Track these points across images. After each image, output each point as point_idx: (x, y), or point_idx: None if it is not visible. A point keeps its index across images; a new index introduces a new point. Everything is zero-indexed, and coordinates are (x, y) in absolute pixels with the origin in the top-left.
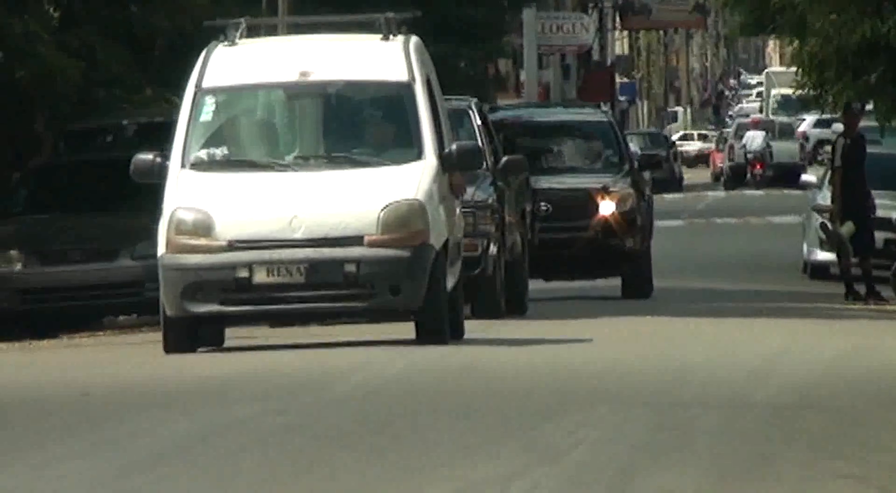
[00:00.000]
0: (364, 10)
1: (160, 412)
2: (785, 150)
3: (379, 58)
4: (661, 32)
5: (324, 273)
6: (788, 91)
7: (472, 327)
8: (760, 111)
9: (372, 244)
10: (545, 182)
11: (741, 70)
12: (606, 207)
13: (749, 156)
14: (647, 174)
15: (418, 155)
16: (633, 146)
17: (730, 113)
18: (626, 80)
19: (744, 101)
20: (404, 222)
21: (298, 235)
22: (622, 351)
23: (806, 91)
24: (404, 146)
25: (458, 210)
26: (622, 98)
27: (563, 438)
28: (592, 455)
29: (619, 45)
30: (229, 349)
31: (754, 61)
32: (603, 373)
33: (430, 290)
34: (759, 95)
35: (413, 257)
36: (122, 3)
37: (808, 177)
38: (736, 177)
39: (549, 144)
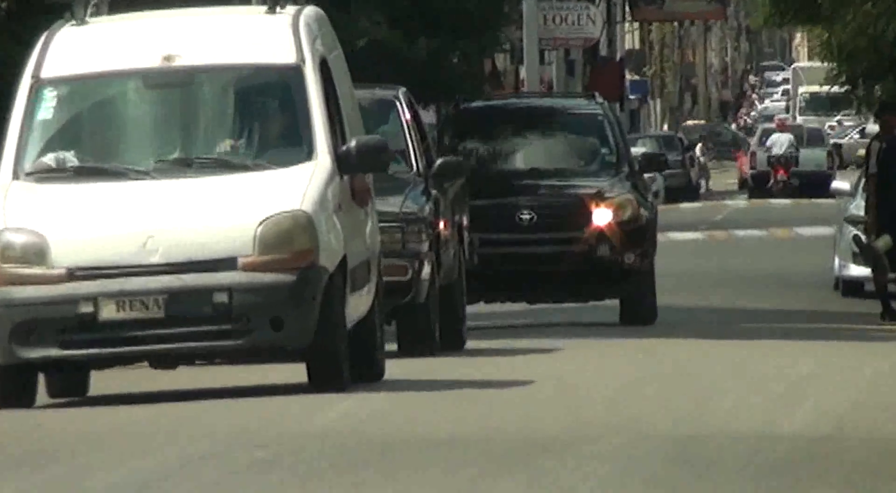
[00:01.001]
0: None
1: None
2: (812, 157)
3: (261, 36)
4: (676, 24)
5: (188, 305)
6: (818, 88)
7: (400, 367)
8: (787, 111)
9: (247, 268)
10: (528, 187)
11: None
12: (601, 216)
13: (772, 160)
14: (659, 179)
15: (308, 155)
16: (645, 149)
17: (751, 113)
18: (636, 77)
19: (767, 99)
20: (287, 240)
21: (155, 258)
22: (633, 377)
23: (837, 86)
24: (290, 144)
25: (369, 221)
26: (633, 97)
27: (569, 473)
28: (602, 492)
29: (630, 38)
30: (95, 400)
31: (780, 56)
32: (613, 401)
33: (323, 323)
34: (784, 93)
35: (299, 283)
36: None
37: (840, 184)
38: (758, 184)
39: (533, 141)
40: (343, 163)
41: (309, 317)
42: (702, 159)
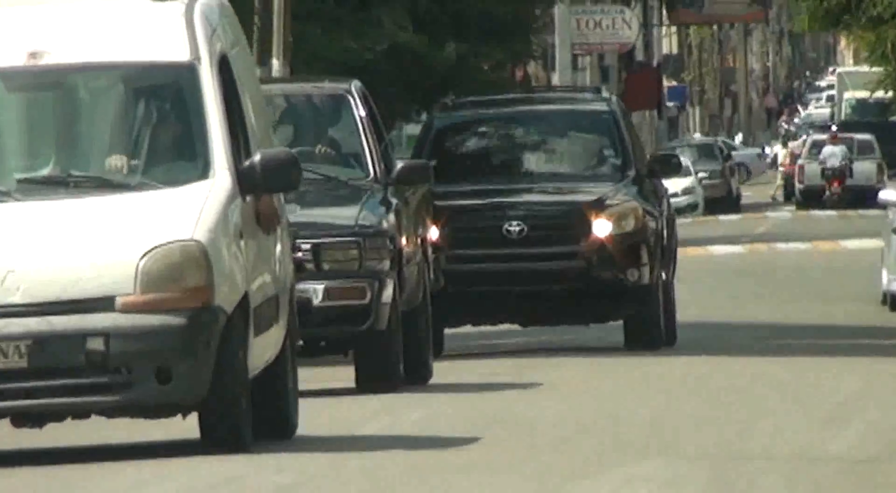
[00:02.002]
0: None
1: None
2: (862, 170)
3: (147, 29)
4: (716, 28)
5: (56, 353)
6: (864, 94)
7: (354, 408)
8: (831, 118)
9: (128, 309)
10: (519, 193)
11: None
12: (602, 228)
13: (827, 173)
14: (698, 190)
15: (203, 172)
16: (684, 159)
17: (794, 120)
18: (674, 83)
19: (811, 106)
20: (176, 275)
21: (16, 298)
22: (673, 397)
23: (885, 92)
24: (182, 159)
25: (277, 250)
26: (671, 104)
27: None
28: None
29: (667, 42)
30: None
31: (824, 61)
32: (652, 422)
33: (219, 374)
34: (829, 99)
35: (190, 326)
36: None
37: (889, 193)
38: (808, 199)
39: (527, 142)
40: (246, 181)
41: (202, 367)
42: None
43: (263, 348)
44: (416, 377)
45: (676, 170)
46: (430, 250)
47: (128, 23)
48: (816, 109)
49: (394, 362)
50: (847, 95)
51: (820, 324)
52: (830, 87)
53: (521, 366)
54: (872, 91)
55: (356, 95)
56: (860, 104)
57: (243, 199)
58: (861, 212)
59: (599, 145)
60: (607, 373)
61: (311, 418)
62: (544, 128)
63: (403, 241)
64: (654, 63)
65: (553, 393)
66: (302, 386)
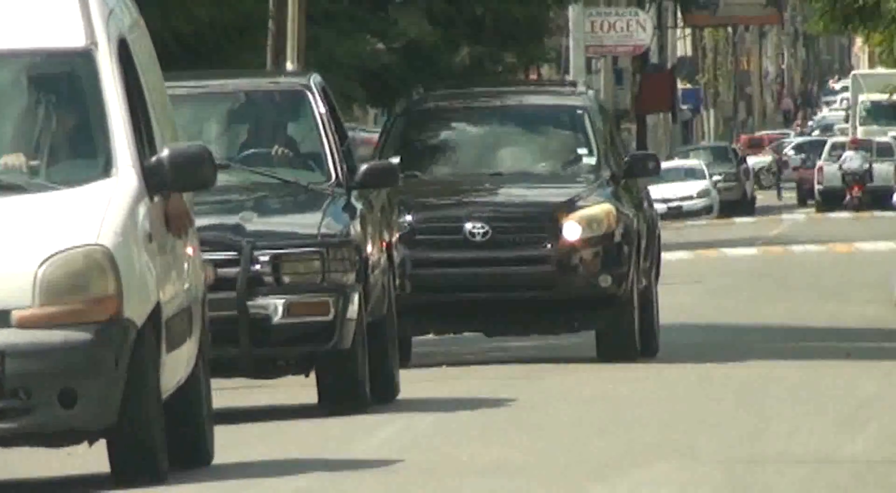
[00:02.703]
0: None
1: None
2: (881, 172)
3: (37, 12)
4: (730, 30)
5: None
6: (880, 96)
7: (316, 432)
8: (846, 121)
9: (26, 324)
10: (484, 193)
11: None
12: (572, 230)
13: (847, 177)
14: (713, 193)
15: (105, 170)
16: (700, 162)
17: (809, 124)
18: (689, 85)
19: (826, 109)
20: (80, 285)
21: None
22: (686, 399)
23: None
24: (81, 156)
25: (188, 256)
26: (685, 106)
27: None
28: None
29: (681, 45)
30: None
31: (839, 63)
32: (669, 425)
33: (130, 395)
34: (844, 101)
35: (96, 342)
36: None
37: None
38: (827, 202)
39: (495, 139)
40: (153, 180)
41: (111, 389)
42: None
43: (175, 366)
44: (381, 395)
45: (654, 171)
46: (395, 255)
47: (14, 6)
48: (831, 112)
49: (360, 382)
50: (862, 97)
51: (835, 326)
52: (845, 89)
53: (503, 375)
54: (891, 93)
55: (316, 91)
56: (875, 107)
57: (150, 199)
58: (876, 214)
59: (573, 143)
60: (619, 377)
61: (278, 440)
62: (514, 123)
63: (369, 248)
64: (669, 65)
65: (565, 397)
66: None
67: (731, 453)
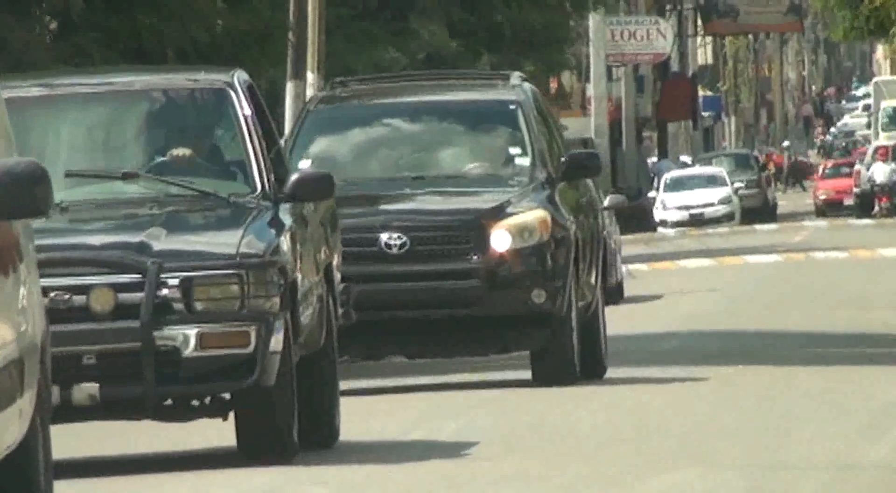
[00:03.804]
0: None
1: None
2: None
3: None
4: (751, 37)
5: None
6: None
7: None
8: (868, 127)
9: None
10: (402, 200)
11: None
12: (501, 240)
13: (875, 188)
14: (735, 200)
15: None
16: (722, 169)
17: (831, 130)
18: (710, 93)
19: (847, 115)
20: None
21: None
22: (708, 406)
23: None
24: None
25: (21, 295)
26: (706, 114)
27: None
28: None
29: (702, 52)
30: None
31: (860, 70)
32: (689, 431)
33: None
34: (866, 108)
35: None
36: (130, 11)
37: None
38: (863, 206)
39: (417, 139)
40: None
41: None
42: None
43: (1, 431)
44: (316, 440)
45: (595, 171)
46: (337, 279)
47: None
48: (853, 119)
49: (285, 426)
50: (884, 103)
51: (857, 332)
52: (867, 96)
53: (516, 382)
54: None
55: (240, 90)
56: None
57: None
58: None
59: (504, 142)
60: (639, 384)
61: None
62: (438, 120)
63: (299, 270)
64: (689, 73)
65: (587, 403)
66: None
67: (752, 459)
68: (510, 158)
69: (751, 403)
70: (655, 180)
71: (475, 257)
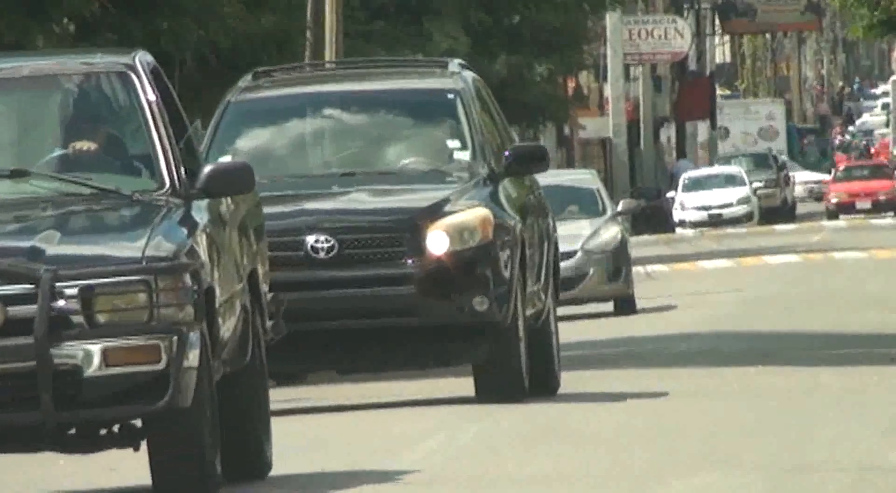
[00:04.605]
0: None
1: None
2: None
3: None
4: (769, 36)
5: None
6: None
7: None
8: (886, 125)
9: None
10: (330, 198)
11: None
12: (438, 242)
13: None
14: (753, 200)
15: None
16: (741, 169)
17: (849, 129)
18: (728, 92)
19: (866, 114)
20: None
21: None
22: (730, 408)
23: None
24: None
25: None
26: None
27: None
28: None
29: (720, 51)
30: None
31: (878, 68)
32: (711, 433)
33: None
34: (884, 106)
35: None
36: (148, 14)
37: None
38: None
39: (347, 132)
40: None
41: None
42: None
43: None
44: (244, 471)
45: (543, 166)
46: (264, 288)
47: None
48: (872, 117)
49: (206, 453)
50: None
51: (878, 333)
52: (885, 94)
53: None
54: None
55: (143, 73)
56: None
57: None
58: None
59: (442, 134)
60: (660, 386)
61: None
62: (370, 112)
63: (217, 276)
64: (707, 72)
65: (606, 406)
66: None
67: (774, 461)
68: (449, 152)
69: (772, 404)
70: (673, 180)
71: (410, 262)
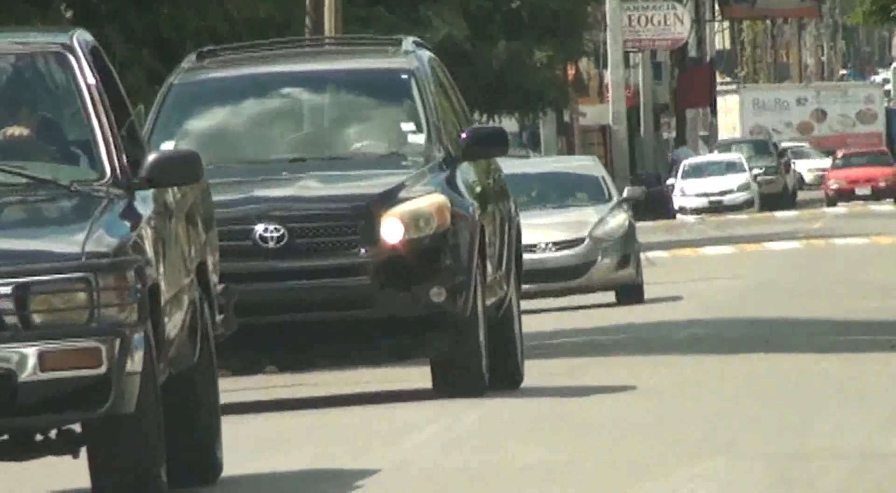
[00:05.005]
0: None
1: None
2: None
3: None
4: (769, 23)
5: None
6: None
7: None
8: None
9: None
10: (278, 185)
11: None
12: (393, 231)
13: None
14: (753, 186)
15: None
16: (741, 156)
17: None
18: (728, 79)
19: None
20: None
21: None
22: (731, 395)
23: None
24: None
25: None
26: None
27: None
28: None
29: (720, 38)
30: None
31: (878, 55)
32: (712, 421)
33: None
34: (886, 94)
35: None
36: (149, 1)
37: None
38: None
39: (296, 115)
40: None
41: None
42: None
43: None
44: (193, 475)
45: (501, 150)
46: (214, 280)
47: None
48: None
49: (150, 460)
50: None
51: (879, 319)
52: (886, 81)
53: (542, 371)
54: None
55: (81, 54)
56: None
57: None
58: None
59: (396, 117)
60: (661, 373)
61: None
62: (320, 93)
63: (162, 272)
64: (707, 59)
65: (608, 393)
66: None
67: (774, 448)
68: (403, 136)
69: (773, 391)
70: (673, 167)
71: (363, 251)
